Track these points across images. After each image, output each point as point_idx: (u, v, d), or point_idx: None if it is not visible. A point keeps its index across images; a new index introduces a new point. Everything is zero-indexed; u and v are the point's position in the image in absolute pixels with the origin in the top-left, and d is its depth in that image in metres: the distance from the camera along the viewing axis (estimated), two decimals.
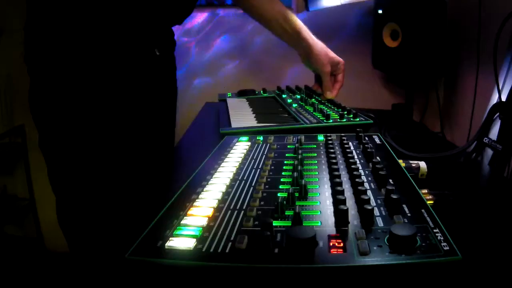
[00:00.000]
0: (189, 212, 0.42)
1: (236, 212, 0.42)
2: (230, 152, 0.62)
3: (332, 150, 0.57)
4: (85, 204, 0.75)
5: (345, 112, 0.83)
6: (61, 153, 0.74)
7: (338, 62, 0.96)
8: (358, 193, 0.42)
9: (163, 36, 0.87)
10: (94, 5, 0.70)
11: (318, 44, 0.94)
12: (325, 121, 0.79)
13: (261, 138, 0.69)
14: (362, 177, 0.48)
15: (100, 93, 0.73)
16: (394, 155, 0.58)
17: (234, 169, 0.54)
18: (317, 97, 1.01)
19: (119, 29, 0.73)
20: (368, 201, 0.40)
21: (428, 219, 0.38)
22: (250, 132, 0.74)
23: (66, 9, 0.69)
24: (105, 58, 0.72)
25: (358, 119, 0.81)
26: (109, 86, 0.73)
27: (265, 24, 0.98)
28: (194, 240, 0.36)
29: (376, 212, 0.40)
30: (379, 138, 0.67)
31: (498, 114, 0.78)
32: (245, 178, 0.51)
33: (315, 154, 0.59)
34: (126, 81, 0.75)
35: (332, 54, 0.95)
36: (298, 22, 0.94)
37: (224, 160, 0.58)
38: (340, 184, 0.45)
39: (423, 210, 0.39)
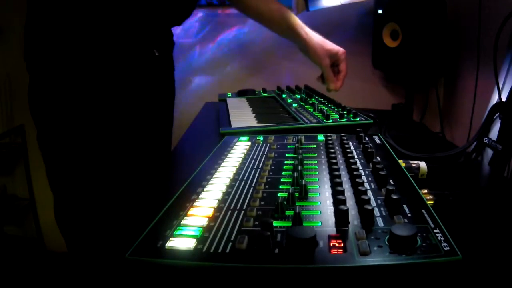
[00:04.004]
0: (189, 212, 0.42)
1: (236, 212, 0.42)
2: (230, 152, 0.62)
3: (332, 150, 0.57)
4: (85, 204, 0.75)
5: (345, 112, 0.83)
6: (59, 152, 0.74)
7: (336, 52, 0.95)
8: (358, 193, 0.42)
9: (162, 37, 0.87)
10: (94, 5, 0.70)
11: (313, 39, 0.93)
12: (325, 121, 0.79)
13: (261, 138, 0.69)
14: (362, 177, 0.48)
15: (99, 93, 0.73)
16: (394, 155, 0.58)
17: (234, 169, 0.54)
18: (317, 97, 1.01)
19: (118, 29, 0.73)
20: (368, 201, 0.40)
21: (428, 219, 0.38)
22: (250, 132, 0.74)
23: (66, 9, 0.69)
24: (104, 58, 0.72)
25: (358, 119, 0.81)
26: (107, 85, 0.73)
27: (262, 22, 0.98)
28: (194, 240, 0.36)
29: (377, 212, 0.40)
30: (379, 138, 0.67)
31: (498, 114, 0.78)
32: (245, 178, 0.51)
33: (315, 154, 0.59)
34: (124, 80, 0.75)
35: (329, 46, 0.95)
36: (292, 18, 0.94)
37: (224, 160, 0.58)
38: (340, 184, 0.45)
39: (423, 210, 0.39)
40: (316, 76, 1.00)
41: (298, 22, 0.94)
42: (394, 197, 0.40)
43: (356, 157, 0.57)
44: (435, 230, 0.35)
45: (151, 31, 0.81)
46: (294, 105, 0.95)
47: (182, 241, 0.36)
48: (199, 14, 1.53)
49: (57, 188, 0.77)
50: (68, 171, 0.74)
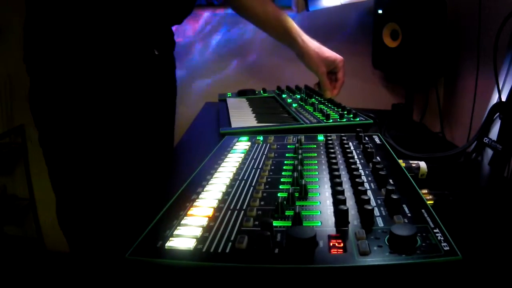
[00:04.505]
0: (189, 212, 0.42)
1: (236, 212, 0.42)
2: (230, 152, 0.62)
3: (332, 150, 0.57)
4: (85, 204, 0.75)
5: (345, 112, 0.83)
6: (60, 153, 0.74)
7: (334, 60, 0.94)
8: (358, 193, 0.42)
9: (162, 36, 0.87)
10: (93, 5, 0.70)
11: (309, 46, 0.92)
12: (325, 121, 0.79)
13: (261, 138, 0.69)
14: (362, 177, 0.48)
15: (99, 93, 0.73)
16: (394, 155, 0.58)
17: (234, 169, 0.54)
18: (317, 97, 1.01)
19: (118, 29, 0.73)
20: (368, 201, 0.40)
21: (428, 219, 0.38)
22: (250, 132, 0.74)
23: (65, 9, 0.69)
24: (104, 58, 0.72)
25: (358, 119, 0.81)
26: (108, 85, 0.73)
27: (258, 25, 0.97)
28: (194, 240, 0.36)
29: (376, 212, 0.40)
30: (379, 138, 0.67)
31: (498, 114, 0.78)
32: (245, 178, 0.51)
33: (315, 154, 0.59)
34: (125, 80, 0.75)
35: (326, 53, 0.94)
36: (289, 23, 0.92)
37: (224, 160, 0.58)
38: (340, 184, 0.45)
39: (423, 210, 0.39)
40: (315, 78, 1.00)
41: (294, 27, 0.92)
42: (394, 197, 0.40)
43: (356, 157, 0.57)
44: (435, 230, 0.35)
45: (151, 31, 0.81)
46: (294, 105, 0.95)
47: (182, 241, 0.36)
48: (199, 14, 1.53)
49: (59, 189, 0.77)
50: (70, 172, 0.74)
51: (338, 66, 0.96)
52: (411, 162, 0.59)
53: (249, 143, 0.67)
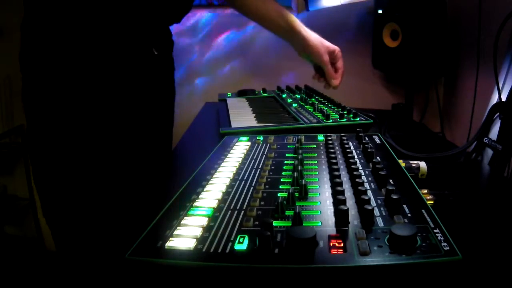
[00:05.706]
0: (189, 212, 0.42)
1: (236, 212, 0.42)
2: (230, 152, 0.62)
3: (332, 150, 0.57)
4: (85, 204, 0.74)
5: (345, 112, 0.83)
6: (58, 153, 0.73)
7: (334, 50, 0.96)
8: (358, 193, 0.42)
9: (161, 35, 0.87)
10: (91, 4, 0.70)
11: (312, 36, 0.94)
12: (325, 121, 0.79)
13: (261, 138, 0.69)
14: (362, 177, 0.48)
15: (97, 92, 0.72)
16: (394, 155, 0.58)
17: (234, 169, 0.54)
18: (317, 97, 1.01)
19: (116, 28, 0.73)
20: (368, 201, 0.40)
21: (428, 219, 0.38)
22: (250, 132, 0.74)
23: (63, 8, 0.69)
24: (102, 57, 0.72)
25: (358, 119, 0.81)
26: (106, 85, 0.73)
27: (260, 22, 0.98)
28: (194, 240, 0.36)
29: (376, 212, 0.40)
30: (379, 138, 0.67)
31: (498, 114, 0.78)
32: (245, 178, 0.51)
33: (315, 154, 0.59)
34: (123, 80, 0.75)
35: (327, 43, 0.95)
36: (291, 17, 0.94)
37: (224, 160, 0.58)
38: (340, 184, 0.45)
39: (423, 210, 0.39)
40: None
41: (297, 20, 0.94)
42: (394, 197, 0.40)
43: (356, 157, 0.57)
44: (435, 230, 0.35)
45: (149, 29, 0.81)
46: (294, 105, 0.95)
47: (182, 241, 0.36)
48: (199, 14, 1.53)
49: (49, 190, 0.76)
50: (67, 172, 0.74)
51: (338, 56, 0.97)
52: (411, 162, 0.59)
53: (249, 143, 0.67)
